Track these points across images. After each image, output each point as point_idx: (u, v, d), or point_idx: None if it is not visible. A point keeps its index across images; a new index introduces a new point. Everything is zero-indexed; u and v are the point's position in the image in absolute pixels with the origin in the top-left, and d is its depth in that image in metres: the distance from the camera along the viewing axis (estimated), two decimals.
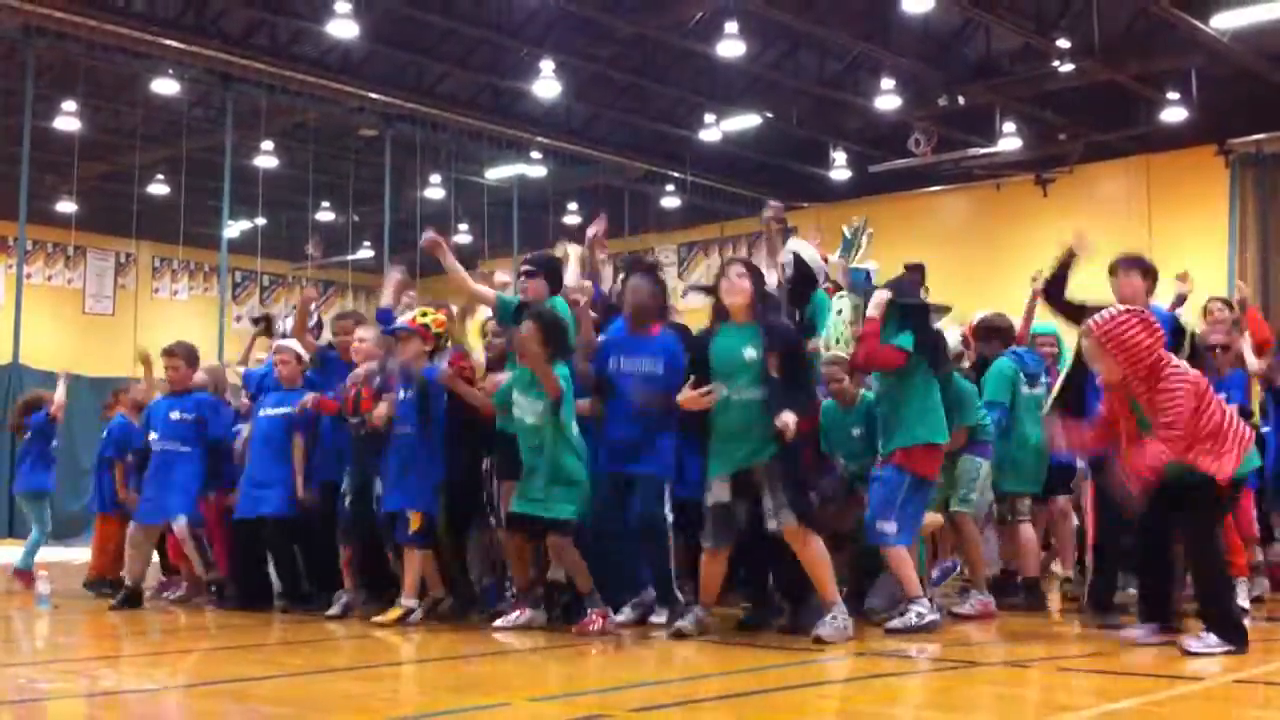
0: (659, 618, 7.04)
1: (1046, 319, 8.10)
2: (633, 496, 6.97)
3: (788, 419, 6.06)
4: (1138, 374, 5.64)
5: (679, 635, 6.41)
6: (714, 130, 20.79)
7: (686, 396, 6.39)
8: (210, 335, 19.79)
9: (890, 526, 6.66)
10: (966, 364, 8.07)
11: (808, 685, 5.26)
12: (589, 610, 6.77)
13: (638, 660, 6.17)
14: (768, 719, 4.49)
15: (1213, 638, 5.60)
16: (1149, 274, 6.98)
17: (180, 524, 8.65)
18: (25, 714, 4.73)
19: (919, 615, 6.59)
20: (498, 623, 7.08)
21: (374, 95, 20.18)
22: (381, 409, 7.63)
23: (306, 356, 8.56)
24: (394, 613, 7.37)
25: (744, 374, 6.31)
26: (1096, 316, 5.82)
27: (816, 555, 6.32)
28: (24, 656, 6.89)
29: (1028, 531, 7.97)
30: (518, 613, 7.09)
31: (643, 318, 7.21)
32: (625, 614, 7.08)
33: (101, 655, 6.86)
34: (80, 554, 11.16)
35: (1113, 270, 6.99)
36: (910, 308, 6.90)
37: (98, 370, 19.83)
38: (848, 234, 8.19)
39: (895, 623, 6.64)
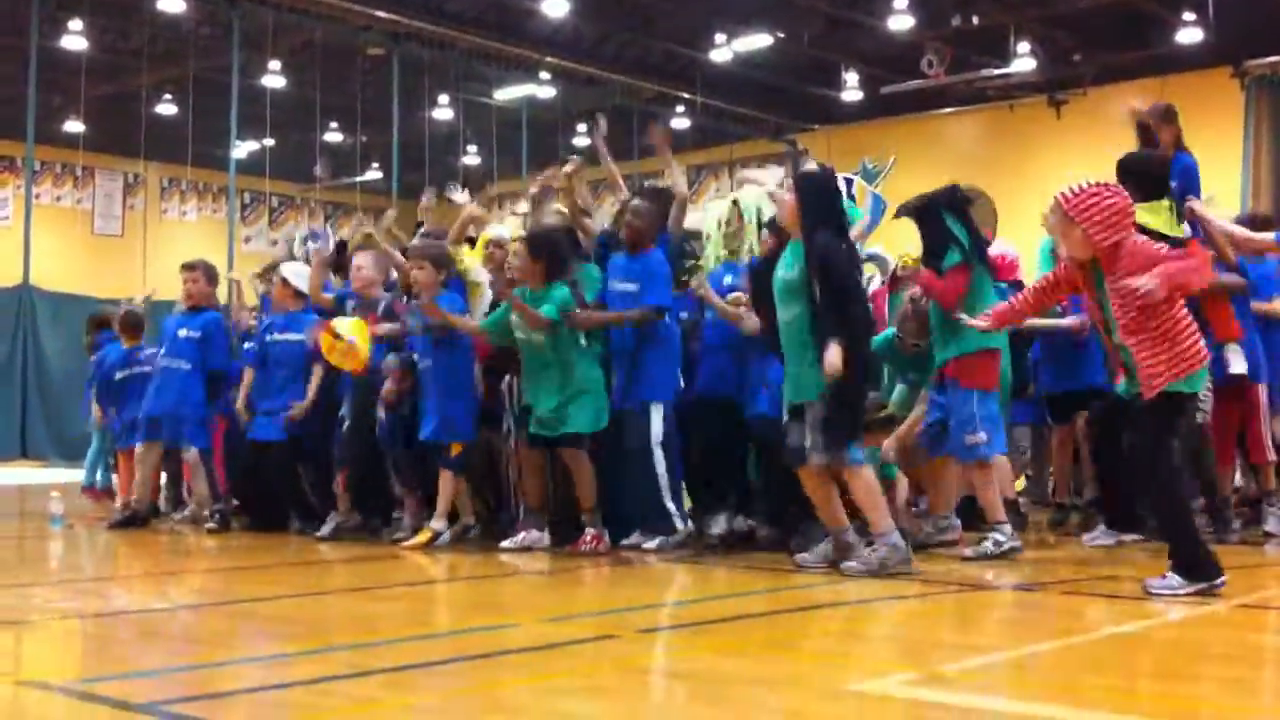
0: (650, 542, 7.04)
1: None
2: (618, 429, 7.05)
3: (832, 359, 5.83)
4: (1104, 248, 5.31)
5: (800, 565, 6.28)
6: (724, 51, 20.58)
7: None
8: (220, 257, 19.76)
9: (979, 438, 6.57)
10: None
11: (813, 608, 5.32)
12: (586, 529, 6.80)
13: (645, 583, 6.23)
14: (772, 640, 4.55)
15: (1175, 578, 5.16)
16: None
17: (191, 453, 8.70)
18: (42, 632, 4.80)
19: (996, 544, 6.49)
20: (503, 543, 7.15)
21: (381, 14, 19.98)
22: (388, 387, 7.70)
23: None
24: (423, 535, 7.43)
25: (786, 294, 6.15)
26: (1066, 189, 5.46)
27: (857, 491, 6.11)
28: (40, 576, 6.97)
29: (1002, 461, 7.93)
30: (523, 533, 7.15)
31: (636, 241, 7.22)
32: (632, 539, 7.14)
33: (115, 575, 6.95)
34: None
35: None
36: (941, 213, 6.77)
37: (108, 292, 19.80)
38: (869, 165, 8.19)
39: (969, 550, 6.57)
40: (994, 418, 6.73)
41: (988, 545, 6.53)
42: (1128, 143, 8.21)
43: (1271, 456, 7.67)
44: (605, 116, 8.08)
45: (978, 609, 5.36)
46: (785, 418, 6.22)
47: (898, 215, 7.11)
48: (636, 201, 7.44)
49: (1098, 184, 5.45)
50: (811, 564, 6.20)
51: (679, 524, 7.09)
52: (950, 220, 6.71)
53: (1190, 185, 7.65)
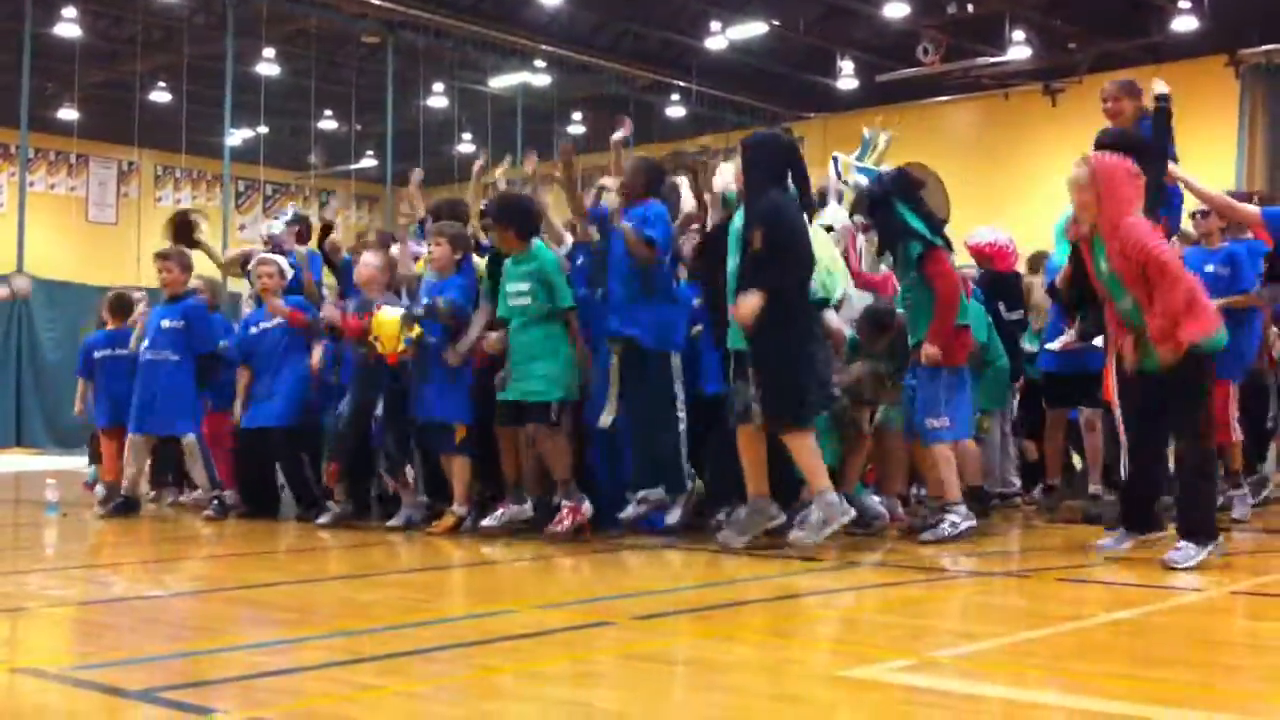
0: (672, 516, 7.05)
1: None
2: (638, 373, 7.00)
3: (745, 307, 6.00)
4: (1109, 222, 5.48)
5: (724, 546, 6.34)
6: (720, 39, 20.56)
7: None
8: (214, 244, 19.72)
9: (941, 421, 6.60)
10: None
11: (807, 594, 5.33)
12: (561, 504, 6.79)
13: (640, 569, 6.24)
14: (765, 626, 4.56)
15: (1190, 547, 5.43)
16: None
17: (189, 439, 8.69)
18: (37, 619, 4.81)
19: (953, 525, 6.53)
20: (484, 521, 7.16)
21: (376, 1, 19.95)
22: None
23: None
24: (447, 521, 7.43)
25: (734, 245, 6.28)
26: (1099, 152, 5.69)
27: (798, 453, 6.19)
28: (35, 563, 6.98)
29: (971, 447, 7.94)
30: (501, 509, 7.15)
31: (631, 190, 7.18)
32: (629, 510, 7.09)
33: (111, 562, 6.95)
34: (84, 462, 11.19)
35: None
36: (894, 205, 6.77)
37: (102, 280, 19.81)
38: (867, 135, 8.15)
39: (928, 534, 6.61)
40: (960, 401, 6.71)
41: (944, 527, 6.56)
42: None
43: (1236, 436, 7.66)
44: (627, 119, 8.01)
45: (971, 595, 5.37)
46: (731, 370, 6.33)
47: (852, 214, 7.12)
48: (629, 161, 7.47)
49: (1124, 160, 5.61)
50: (735, 542, 6.23)
51: (688, 483, 7.08)
52: (903, 209, 6.69)
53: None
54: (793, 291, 6.20)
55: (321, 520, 7.91)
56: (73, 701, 3.27)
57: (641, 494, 7.06)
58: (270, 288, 8.48)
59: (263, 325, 8.54)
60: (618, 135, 7.74)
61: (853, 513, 6.27)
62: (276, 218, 9.51)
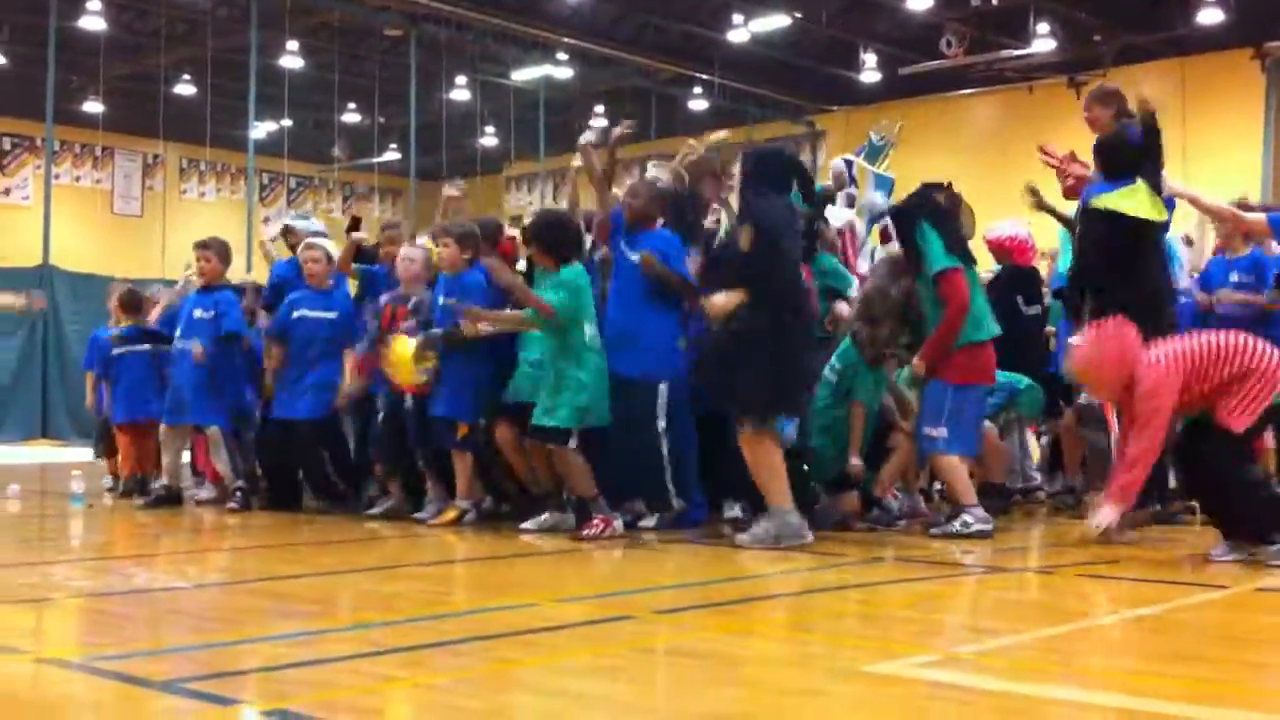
0: (648, 520, 7.15)
1: None
2: (625, 403, 7.01)
3: (717, 300, 6.09)
4: (1117, 393, 5.63)
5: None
6: (742, 31, 20.54)
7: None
8: (238, 237, 19.84)
9: (938, 432, 6.61)
10: None
11: (827, 590, 5.32)
12: (594, 516, 6.81)
13: (659, 564, 6.25)
14: (786, 621, 4.56)
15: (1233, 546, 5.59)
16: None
17: (213, 430, 8.70)
18: (62, 610, 4.84)
19: (965, 524, 6.56)
20: (524, 525, 7.17)
21: None
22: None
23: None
24: (449, 514, 7.48)
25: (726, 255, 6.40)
26: (1079, 341, 5.77)
27: (755, 459, 6.24)
28: (60, 554, 7.02)
29: (998, 443, 7.93)
30: (545, 515, 7.18)
31: (639, 220, 7.21)
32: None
33: (135, 554, 6.99)
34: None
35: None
36: (918, 218, 6.81)
37: (126, 272, 19.94)
38: (875, 139, 8.12)
39: (936, 529, 6.66)
40: (967, 417, 6.71)
41: (955, 525, 6.61)
42: None
43: (1270, 443, 7.66)
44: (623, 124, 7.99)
45: (993, 592, 5.36)
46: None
47: (875, 220, 7.14)
48: (633, 182, 7.47)
49: (1097, 333, 5.71)
50: (750, 542, 6.24)
51: (674, 503, 7.12)
52: (927, 228, 6.72)
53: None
54: (774, 293, 6.23)
55: (373, 512, 7.97)
56: (97, 692, 3.29)
57: (626, 505, 7.17)
58: (316, 274, 8.48)
59: (304, 312, 8.52)
60: (618, 130, 7.77)
61: (810, 538, 6.26)
62: (304, 216, 9.53)
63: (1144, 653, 3.94)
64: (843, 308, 7.33)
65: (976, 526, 6.57)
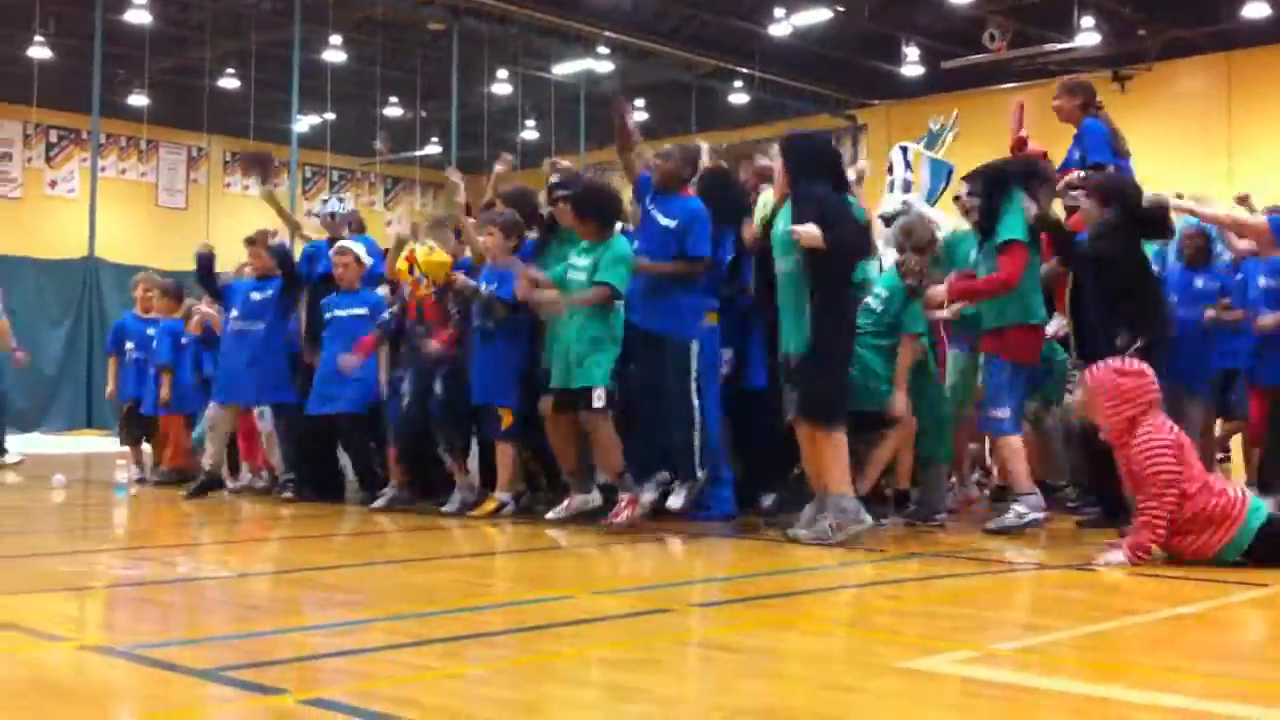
0: (675, 500, 7.08)
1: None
2: (658, 361, 7.02)
3: (808, 228, 5.99)
4: (1117, 426, 5.52)
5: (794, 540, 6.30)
6: (783, 25, 20.46)
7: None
8: (281, 230, 19.96)
9: (1002, 413, 6.59)
10: None
11: (866, 585, 5.31)
12: (619, 497, 6.77)
13: (697, 557, 6.25)
14: (824, 615, 4.55)
15: None
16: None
17: (267, 421, 8.76)
18: (105, 598, 4.89)
19: (1019, 515, 6.52)
20: (549, 514, 7.18)
21: None
22: (433, 345, 7.75)
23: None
24: (488, 505, 7.51)
25: (781, 247, 6.28)
26: (1095, 366, 5.68)
27: (825, 450, 6.17)
28: (104, 542, 7.10)
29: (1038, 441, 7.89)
30: (567, 501, 7.17)
31: (667, 184, 7.23)
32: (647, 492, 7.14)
33: (178, 543, 7.05)
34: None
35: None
36: (1013, 180, 6.77)
37: (171, 265, 20.10)
38: (934, 127, 8.11)
39: (992, 523, 6.61)
40: (1019, 397, 6.69)
41: (1009, 517, 6.55)
42: (1192, 118, 8.15)
43: None
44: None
45: (1032, 588, 5.33)
46: (784, 375, 6.32)
47: (965, 179, 7.07)
48: (666, 147, 7.46)
49: (1118, 365, 5.61)
50: (806, 538, 6.20)
51: (698, 472, 7.08)
52: (1019, 198, 6.66)
53: (1093, 147, 7.62)
54: (843, 289, 6.24)
55: (376, 505, 7.98)
56: (141, 679, 3.33)
57: (655, 478, 7.15)
58: (346, 276, 8.56)
59: (336, 312, 8.58)
60: (635, 121, 7.80)
61: (869, 521, 6.22)
62: (338, 198, 9.58)
63: (1184, 651, 3.91)
64: None
65: (1030, 516, 6.52)
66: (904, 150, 8.18)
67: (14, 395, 13.52)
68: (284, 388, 8.79)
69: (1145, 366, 5.61)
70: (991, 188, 6.76)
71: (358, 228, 9.53)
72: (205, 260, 9.01)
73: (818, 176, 6.27)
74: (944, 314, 7.10)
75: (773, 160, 6.70)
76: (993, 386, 6.68)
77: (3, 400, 12.83)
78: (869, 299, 7.07)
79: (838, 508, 6.10)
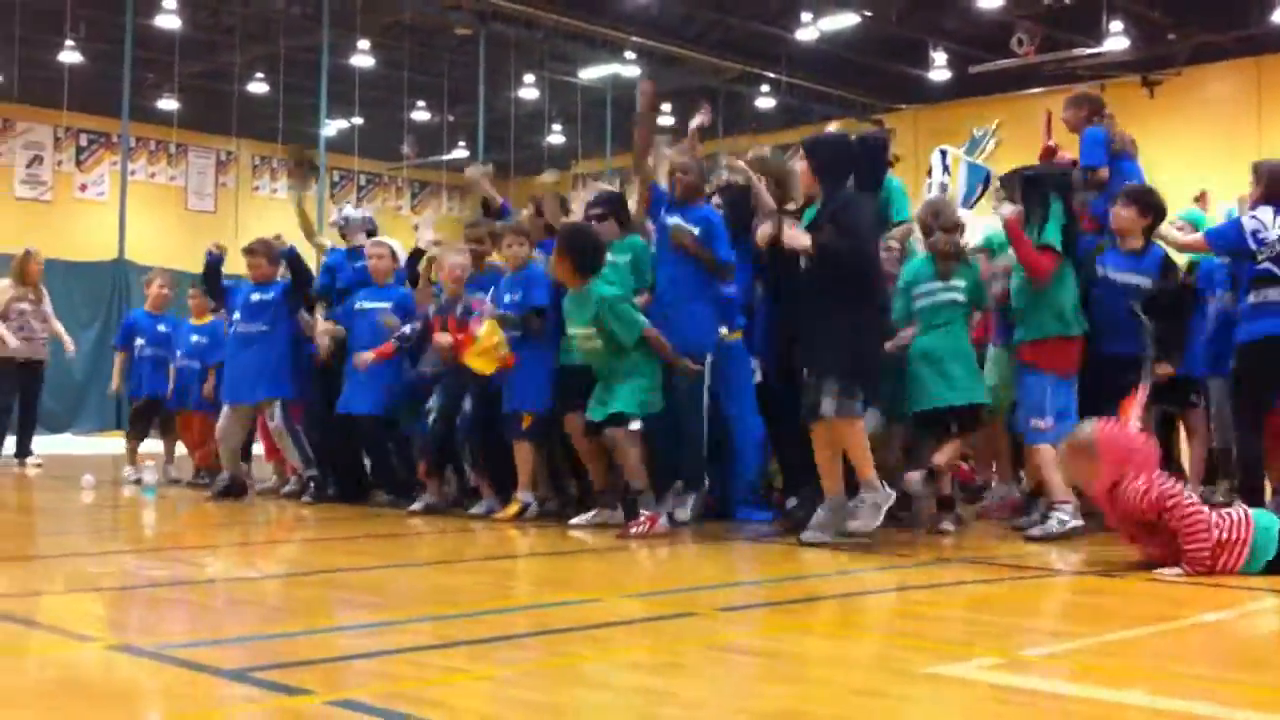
0: (681, 511, 7.15)
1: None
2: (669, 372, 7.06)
3: (794, 232, 6.06)
4: (1102, 487, 5.46)
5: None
6: (810, 29, 20.45)
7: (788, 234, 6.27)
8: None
9: (1045, 423, 6.57)
10: None
11: (892, 590, 5.29)
12: (640, 511, 6.79)
13: (723, 561, 6.24)
14: (850, 620, 4.54)
15: None
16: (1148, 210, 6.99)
17: (276, 420, 8.80)
18: (133, 598, 4.92)
19: (1060, 523, 6.49)
20: (573, 520, 7.20)
21: None
22: (444, 339, 7.77)
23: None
24: (511, 508, 7.52)
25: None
26: (1102, 425, 5.58)
27: (848, 439, 6.18)
28: (132, 543, 7.14)
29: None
30: (594, 511, 7.20)
31: (687, 196, 7.28)
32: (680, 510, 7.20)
33: (204, 544, 7.08)
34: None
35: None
36: (1050, 186, 6.77)
37: (200, 268, 20.20)
38: (976, 134, 8.16)
39: (1035, 530, 6.57)
40: (1065, 408, 6.65)
41: (1052, 524, 6.52)
42: (1220, 123, 8.13)
43: None
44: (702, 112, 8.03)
45: (1060, 593, 5.31)
46: (806, 375, 6.30)
47: (1003, 183, 7.08)
48: (685, 159, 7.48)
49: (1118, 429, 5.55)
50: (817, 539, 6.20)
51: (704, 483, 7.22)
52: (1056, 206, 6.66)
53: (1085, 153, 7.66)
54: (859, 284, 6.21)
55: (414, 508, 8.01)
56: (169, 679, 3.34)
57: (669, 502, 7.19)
58: (380, 269, 8.59)
59: (364, 304, 8.58)
60: (696, 122, 7.79)
61: (893, 495, 6.26)
62: (351, 205, 9.62)
63: (1214, 658, 3.88)
64: None
65: (1071, 524, 6.50)
66: (943, 154, 8.17)
67: (44, 397, 13.61)
68: (286, 384, 8.80)
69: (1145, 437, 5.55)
70: (1032, 188, 6.75)
71: (372, 233, 9.54)
72: (215, 262, 9.08)
73: (841, 176, 6.30)
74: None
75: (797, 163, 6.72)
76: (1033, 397, 6.67)
77: (35, 406, 12.96)
78: (941, 293, 7.02)
79: (871, 490, 6.13)
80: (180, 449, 11.15)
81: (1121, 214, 7.01)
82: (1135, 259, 7.06)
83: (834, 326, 6.14)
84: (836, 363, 6.13)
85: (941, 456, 6.87)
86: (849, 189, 6.28)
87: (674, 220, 7.16)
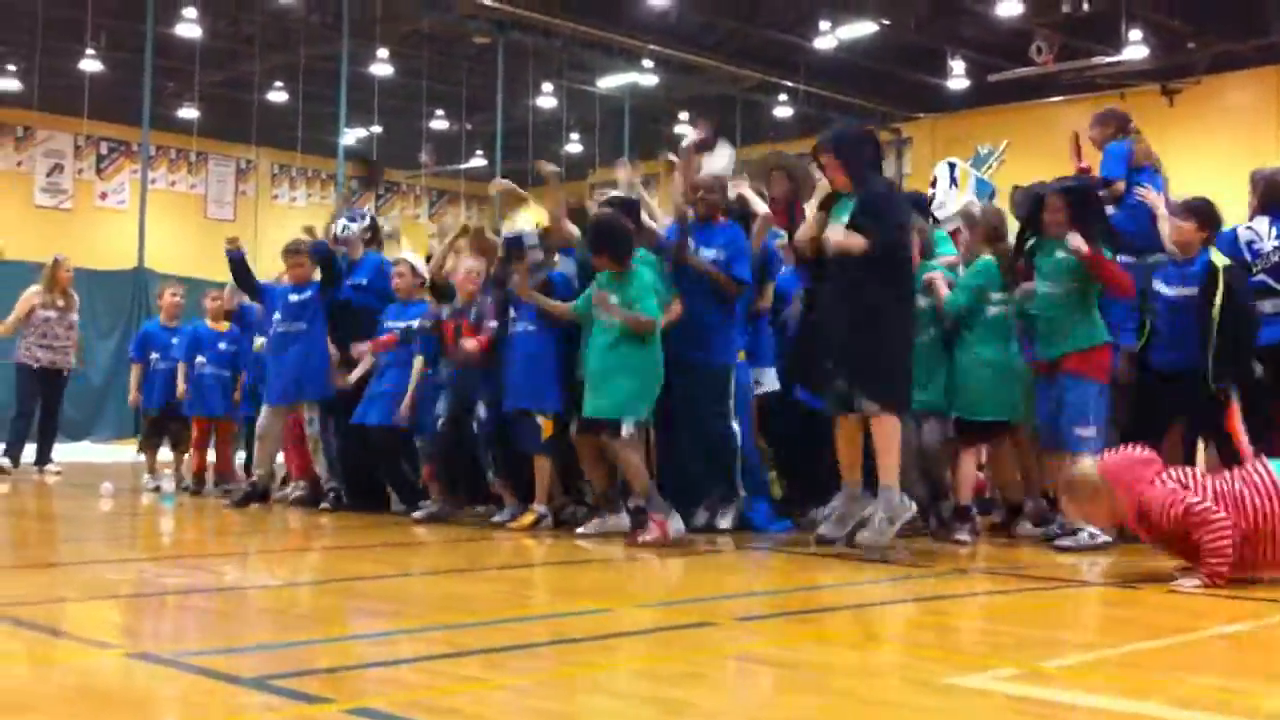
0: (723, 519, 7.21)
1: None
2: (696, 387, 7.08)
3: (836, 234, 6.03)
4: (1132, 511, 5.40)
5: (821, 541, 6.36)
6: (829, 38, 20.43)
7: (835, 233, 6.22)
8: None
9: (1089, 432, 6.56)
10: None
11: (911, 600, 5.28)
12: (650, 518, 6.75)
13: (741, 571, 6.24)
14: (870, 631, 4.53)
15: None
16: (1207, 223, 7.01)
17: (315, 426, 8.81)
18: (152, 606, 4.93)
19: (1091, 535, 6.47)
20: (579, 530, 7.21)
21: (487, 2, 20.15)
22: (469, 344, 7.75)
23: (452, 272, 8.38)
24: (527, 518, 7.53)
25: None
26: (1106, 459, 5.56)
27: (879, 437, 6.14)
28: (151, 551, 7.16)
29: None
30: (597, 519, 7.20)
31: (710, 215, 7.36)
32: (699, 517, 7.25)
33: (222, 552, 7.10)
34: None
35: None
36: (1096, 200, 6.83)
37: (220, 275, 20.24)
38: (981, 151, 8.18)
39: (1066, 541, 6.55)
40: (1104, 415, 6.65)
41: (1083, 535, 6.50)
42: (1240, 132, 8.14)
43: None
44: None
45: (1080, 604, 5.29)
46: (830, 363, 6.30)
47: (1057, 192, 7.11)
48: (704, 176, 7.53)
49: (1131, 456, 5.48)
50: (832, 535, 6.21)
51: (740, 491, 7.25)
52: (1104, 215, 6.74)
53: (1105, 167, 7.81)
54: (902, 278, 6.24)
55: (417, 515, 8.02)
56: (186, 687, 3.35)
57: (702, 512, 7.27)
58: (402, 288, 8.62)
59: (393, 323, 8.62)
60: (690, 139, 7.86)
61: (914, 509, 6.23)
62: (350, 219, 9.56)
63: (1236, 670, 3.86)
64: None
65: (1103, 537, 6.50)
66: (951, 166, 8.15)
67: (64, 405, 13.69)
68: (329, 386, 8.84)
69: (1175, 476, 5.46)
70: (1076, 205, 6.74)
71: (370, 241, 9.53)
72: (239, 258, 9.10)
73: (868, 165, 6.35)
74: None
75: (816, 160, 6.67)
76: (1077, 406, 6.64)
77: (56, 414, 13.03)
78: (1007, 305, 7.04)
79: (888, 501, 6.08)
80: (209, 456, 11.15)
81: (1182, 226, 7.02)
82: (1185, 269, 7.05)
83: (881, 323, 6.11)
84: (885, 360, 6.12)
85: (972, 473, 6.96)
86: (878, 179, 6.32)
87: (697, 259, 7.23)
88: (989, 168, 7.92)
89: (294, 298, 8.89)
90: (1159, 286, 7.17)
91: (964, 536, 6.86)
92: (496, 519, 7.79)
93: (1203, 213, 7.03)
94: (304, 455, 9.19)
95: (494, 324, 7.77)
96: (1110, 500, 5.41)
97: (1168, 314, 7.10)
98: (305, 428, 8.94)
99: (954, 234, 8.05)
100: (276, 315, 8.92)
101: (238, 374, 10.40)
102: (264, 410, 9.01)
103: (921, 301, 6.87)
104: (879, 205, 6.19)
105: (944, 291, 6.99)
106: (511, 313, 7.71)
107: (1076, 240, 6.53)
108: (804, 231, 6.68)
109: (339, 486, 8.82)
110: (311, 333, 8.83)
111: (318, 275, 9.00)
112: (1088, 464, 5.61)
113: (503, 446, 7.81)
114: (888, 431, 6.11)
